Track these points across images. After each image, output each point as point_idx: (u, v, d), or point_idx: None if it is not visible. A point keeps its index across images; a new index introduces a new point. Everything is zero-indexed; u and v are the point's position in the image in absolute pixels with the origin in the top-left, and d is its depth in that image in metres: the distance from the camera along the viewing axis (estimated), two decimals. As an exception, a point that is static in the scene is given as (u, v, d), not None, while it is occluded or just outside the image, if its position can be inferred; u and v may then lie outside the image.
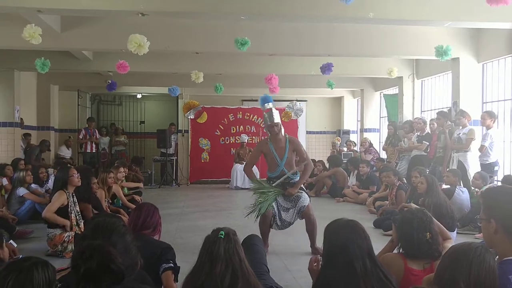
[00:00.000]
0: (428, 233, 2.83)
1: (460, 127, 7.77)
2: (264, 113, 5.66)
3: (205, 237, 2.38)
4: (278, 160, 5.45)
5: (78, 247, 2.11)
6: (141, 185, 9.07)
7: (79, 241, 2.64)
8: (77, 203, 5.46)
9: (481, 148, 7.23)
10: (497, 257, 2.05)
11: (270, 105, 5.70)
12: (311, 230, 5.43)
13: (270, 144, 5.51)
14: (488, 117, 7.29)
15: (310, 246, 5.47)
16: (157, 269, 3.05)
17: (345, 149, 12.55)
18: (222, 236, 2.27)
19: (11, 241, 4.51)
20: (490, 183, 6.71)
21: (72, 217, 5.31)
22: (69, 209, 5.31)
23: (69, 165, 8.78)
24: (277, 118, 5.48)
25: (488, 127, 7.27)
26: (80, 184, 5.51)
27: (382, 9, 6.01)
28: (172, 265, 3.10)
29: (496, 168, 7.29)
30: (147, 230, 3.27)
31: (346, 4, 4.43)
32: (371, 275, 2.26)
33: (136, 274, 2.32)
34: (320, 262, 2.57)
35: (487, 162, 7.21)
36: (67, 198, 5.31)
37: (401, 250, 2.93)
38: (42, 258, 1.94)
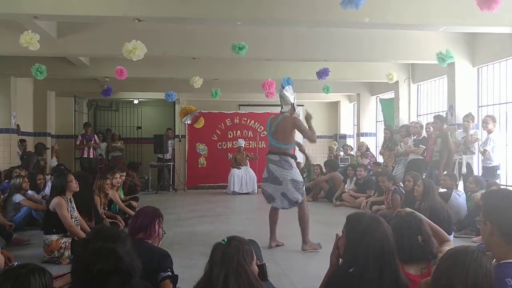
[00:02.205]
0: (419, 236, 2.79)
1: (459, 131, 7.85)
2: (290, 94, 5.86)
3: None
4: None
5: (86, 249, 2.10)
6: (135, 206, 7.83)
7: (83, 245, 2.63)
8: (75, 208, 5.45)
9: (484, 153, 7.26)
10: (494, 260, 2.05)
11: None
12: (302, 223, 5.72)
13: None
14: (492, 121, 7.32)
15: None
16: (154, 277, 3.03)
17: (342, 153, 12.58)
18: (224, 242, 2.32)
19: None
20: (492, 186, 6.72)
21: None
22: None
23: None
24: None
25: (490, 131, 7.30)
26: (78, 189, 5.49)
27: (377, 14, 6.04)
28: (170, 273, 3.08)
29: (498, 171, 7.32)
30: (141, 234, 3.23)
31: (356, 9, 4.44)
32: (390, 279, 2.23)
33: (137, 282, 2.31)
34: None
35: (491, 165, 7.25)
36: (66, 203, 5.28)
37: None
38: (38, 265, 1.93)
